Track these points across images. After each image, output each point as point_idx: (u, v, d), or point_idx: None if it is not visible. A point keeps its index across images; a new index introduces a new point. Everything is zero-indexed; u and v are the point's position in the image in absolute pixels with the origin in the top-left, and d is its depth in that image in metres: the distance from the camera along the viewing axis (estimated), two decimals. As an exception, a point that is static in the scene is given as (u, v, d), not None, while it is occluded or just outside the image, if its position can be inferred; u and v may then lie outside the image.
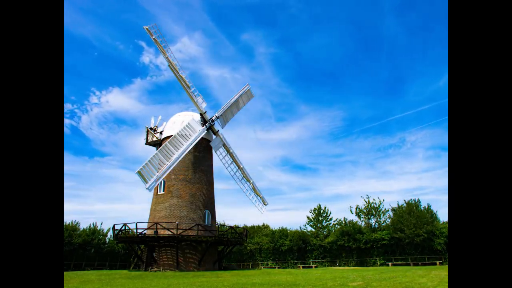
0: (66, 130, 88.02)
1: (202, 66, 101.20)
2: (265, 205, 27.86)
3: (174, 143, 23.03)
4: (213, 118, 26.38)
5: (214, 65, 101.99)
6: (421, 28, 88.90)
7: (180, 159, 22.63)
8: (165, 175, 21.66)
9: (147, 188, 20.49)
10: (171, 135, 24.56)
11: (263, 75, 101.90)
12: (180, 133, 23.83)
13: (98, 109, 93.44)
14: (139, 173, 20.49)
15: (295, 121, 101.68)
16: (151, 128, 29.51)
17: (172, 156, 22.30)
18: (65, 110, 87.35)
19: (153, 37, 23.31)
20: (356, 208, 35.81)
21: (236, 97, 28.30)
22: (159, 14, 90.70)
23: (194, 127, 24.86)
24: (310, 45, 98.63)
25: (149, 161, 21.17)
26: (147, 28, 23.05)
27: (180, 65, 24.71)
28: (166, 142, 23.10)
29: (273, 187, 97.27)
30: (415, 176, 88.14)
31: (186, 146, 23.24)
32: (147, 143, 29.34)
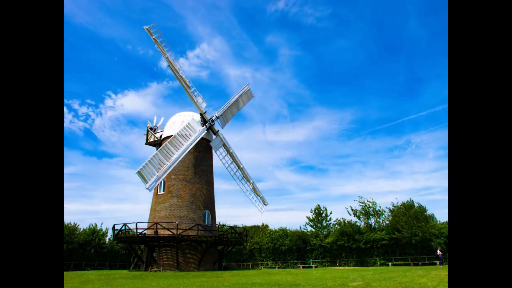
0: (79, 132, 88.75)
1: (223, 65, 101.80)
2: (265, 205, 27.87)
3: (174, 143, 23.04)
4: (213, 118, 26.39)
5: (236, 65, 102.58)
6: (443, 31, 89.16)
7: (180, 159, 22.62)
8: (165, 175, 21.67)
9: (147, 188, 20.50)
10: (171, 135, 24.57)
11: (283, 76, 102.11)
12: (180, 133, 23.82)
13: (112, 112, 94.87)
14: (139, 173, 20.50)
15: (309, 122, 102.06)
16: (151, 128, 29.51)
17: (172, 156, 22.31)
18: (80, 114, 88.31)
19: (153, 37, 23.30)
20: (351, 209, 35.85)
21: (236, 97, 28.34)
22: (188, 15, 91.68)
23: (194, 127, 24.86)
24: (332, 47, 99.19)
25: (149, 161, 21.17)
26: (147, 28, 23.01)
27: (180, 66, 24.79)
28: (166, 142, 23.10)
29: (281, 187, 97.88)
30: (423, 176, 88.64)
31: (186, 146, 23.25)
32: (147, 143, 29.34)
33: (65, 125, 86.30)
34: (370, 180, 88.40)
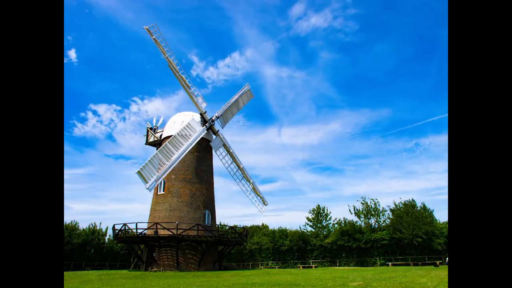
0: (100, 136, 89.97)
1: (262, 65, 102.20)
2: (265, 205, 27.85)
3: (174, 143, 23.04)
4: (213, 118, 26.40)
5: (274, 66, 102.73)
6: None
7: (180, 159, 22.62)
8: (165, 175, 21.65)
9: (147, 188, 20.48)
10: (171, 135, 24.58)
11: (316, 78, 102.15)
12: (180, 133, 23.83)
13: (135, 117, 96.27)
14: (139, 173, 20.49)
15: (331, 123, 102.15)
16: (151, 128, 29.50)
17: (172, 156, 22.30)
18: (104, 119, 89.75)
19: (153, 37, 23.38)
20: (354, 209, 35.84)
21: (236, 97, 28.34)
22: (238, 19, 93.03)
23: (194, 127, 24.86)
24: (370, 52, 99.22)
25: (149, 161, 21.17)
26: (147, 28, 23.07)
27: (180, 66, 24.86)
28: (166, 142, 23.09)
29: (295, 187, 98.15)
30: (437, 176, 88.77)
31: (186, 146, 23.24)
32: (147, 143, 29.34)
33: (87, 128, 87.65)
34: (383, 180, 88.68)
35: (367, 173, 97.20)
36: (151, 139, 29.05)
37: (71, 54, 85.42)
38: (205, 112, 26.09)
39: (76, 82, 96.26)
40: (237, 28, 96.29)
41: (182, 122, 26.42)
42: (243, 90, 29.13)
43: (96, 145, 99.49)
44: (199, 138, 24.45)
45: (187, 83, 25.07)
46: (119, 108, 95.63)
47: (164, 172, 21.41)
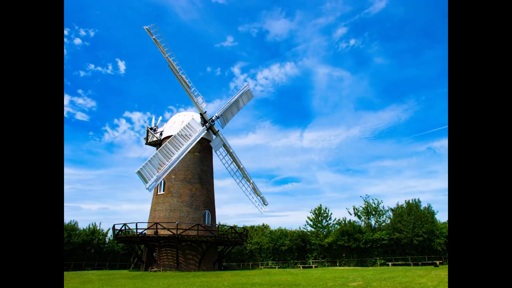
0: (129, 141, 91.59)
1: (314, 65, 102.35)
2: (265, 205, 27.80)
3: (174, 143, 23.04)
4: (213, 118, 26.42)
5: (326, 66, 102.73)
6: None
7: (180, 159, 22.62)
8: (165, 175, 21.63)
9: (147, 188, 20.45)
10: (171, 135, 24.59)
11: (361, 82, 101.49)
12: (180, 133, 23.83)
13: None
14: (139, 173, 20.46)
15: (362, 124, 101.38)
16: (151, 128, 29.50)
17: (172, 156, 22.29)
18: (134, 126, 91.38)
19: (153, 37, 23.47)
20: (353, 209, 35.82)
21: (236, 97, 28.38)
22: (298, 28, 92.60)
23: (194, 127, 24.86)
24: (419, 58, 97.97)
25: (149, 161, 21.15)
26: (147, 28, 23.20)
27: (180, 66, 24.93)
28: (166, 142, 23.08)
29: (315, 187, 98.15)
30: None
31: (186, 146, 23.24)
32: (147, 143, 29.34)
33: (117, 134, 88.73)
34: (403, 180, 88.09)
35: (389, 173, 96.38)
36: (150, 139, 29.05)
37: (121, 66, 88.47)
38: (205, 112, 26.13)
39: (119, 90, 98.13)
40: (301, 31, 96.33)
41: (182, 122, 26.44)
42: (243, 90, 29.17)
43: (125, 149, 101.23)
44: (199, 138, 24.46)
45: (187, 83, 25.11)
46: (153, 116, 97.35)
47: (164, 172, 21.42)
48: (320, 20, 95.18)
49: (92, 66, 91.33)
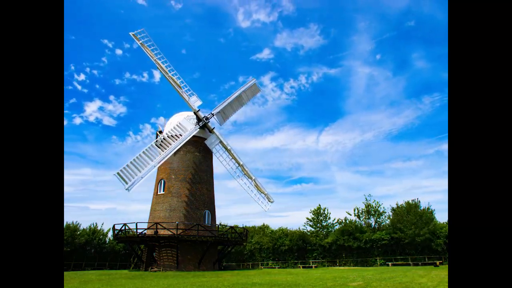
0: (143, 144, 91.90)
1: (358, 65, 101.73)
2: (271, 202, 26.29)
3: (161, 143, 22.86)
4: (207, 116, 26.31)
5: (369, 66, 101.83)
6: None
7: (165, 159, 22.54)
8: (147, 174, 21.13)
9: (126, 189, 20.00)
10: (173, 135, 24.58)
11: (397, 86, 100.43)
12: (169, 133, 23.97)
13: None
14: (118, 174, 20.12)
15: (384, 125, 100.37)
16: (159, 131, 29.63)
17: (157, 156, 21.94)
18: (150, 131, 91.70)
19: (140, 42, 24.41)
20: (354, 210, 35.83)
21: (238, 92, 28.09)
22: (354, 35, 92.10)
23: (186, 126, 24.75)
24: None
25: (130, 162, 20.84)
26: (133, 34, 24.52)
27: (171, 67, 25.59)
28: (152, 143, 22.77)
29: (329, 187, 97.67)
30: None
31: (174, 145, 23.08)
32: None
33: (139, 138, 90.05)
34: (418, 180, 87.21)
35: (404, 173, 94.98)
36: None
37: (156, 75, 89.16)
38: (198, 110, 26.10)
39: (150, 97, 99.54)
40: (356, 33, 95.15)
41: (176, 122, 26.48)
42: (247, 85, 28.74)
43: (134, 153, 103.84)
44: (189, 137, 24.31)
45: (178, 83, 25.44)
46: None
47: (147, 172, 20.98)
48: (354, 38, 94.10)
49: (128, 74, 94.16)
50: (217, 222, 27.98)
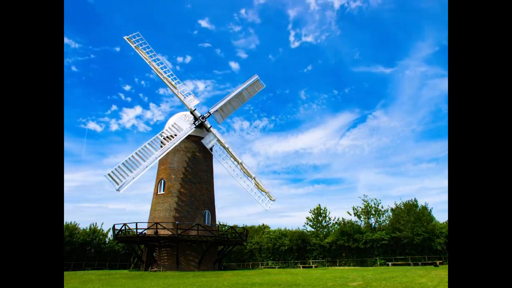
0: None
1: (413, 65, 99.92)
2: (273, 200, 25.68)
3: (154, 143, 22.75)
4: (204, 115, 26.30)
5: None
6: None
7: (159, 158, 22.56)
8: (140, 175, 20.87)
9: (117, 189, 19.79)
10: (169, 135, 24.59)
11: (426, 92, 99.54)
12: (164, 134, 24.04)
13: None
14: (109, 175, 19.97)
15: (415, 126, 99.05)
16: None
17: (150, 156, 21.84)
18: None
19: (134, 45, 24.86)
20: (353, 209, 35.83)
21: (238, 90, 28.02)
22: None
23: (181, 126, 24.77)
24: None
25: (122, 163, 20.69)
26: (127, 38, 25.28)
27: (168, 68, 26.09)
28: (146, 143, 22.60)
29: (350, 186, 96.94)
30: None
31: (168, 145, 23.08)
32: None
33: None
34: (435, 179, 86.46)
35: (426, 173, 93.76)
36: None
37: (200, 86, 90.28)
38: (195, 109, 26.15)
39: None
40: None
41: (172, 122, 26.54)
42: (249, 82, 28.61)
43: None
44: (184, 137, 24.31)
45: (173, 84, 25.69)
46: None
47: (139, 173, 20.78)
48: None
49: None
50: (224, 223, 27.98)
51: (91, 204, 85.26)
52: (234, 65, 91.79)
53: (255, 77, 29.35)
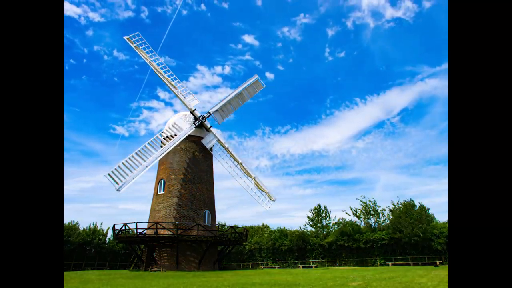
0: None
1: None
2: (273, 200, 25.61)
3: (154, 143, 22.85)
4: (204, 115, 26.32)
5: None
6: None
7: (158, 159, 22.58)
8: (140, 175, 20.95)
9: (117, 190, 19.82)
10: (169, 135, 24.60)
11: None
12: (164, 134, 24.10)
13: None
14: (109, 175, 20.00)
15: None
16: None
17: (150, 157, 21.89)
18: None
19: (134, 45, 24.99)
20: (351, 209, 35.85)
21: (238, 90, 28.06)
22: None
23: (181, 126, 24.80)
24: None
25: (122, 163, 20.76)
26: (127, 38, 25.50)
27: (168, 68, 26.07)
28: (146, 143, 22.68)
29: (368, 187, 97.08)
30: None
31: (168, 145, 23.14)
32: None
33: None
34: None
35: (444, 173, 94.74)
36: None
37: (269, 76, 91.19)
38: (195, 109, 26.18)
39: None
40: None
41: (172, 122, 26.54)
42: (248, 82, 28.69)
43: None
44: (184, 137, 24.36)
45: (173, 84, 25.71)
46: (247, 134, 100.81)
47: (139, 173, 20.82)
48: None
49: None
50: (223, 223, 27.98)
51: (101, 204, 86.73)
52: (269, 75, 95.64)
53: (255, 77, 29.38)
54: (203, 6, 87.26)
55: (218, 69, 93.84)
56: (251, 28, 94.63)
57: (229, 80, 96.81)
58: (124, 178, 20.31)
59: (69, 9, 73.44)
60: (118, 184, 19.97)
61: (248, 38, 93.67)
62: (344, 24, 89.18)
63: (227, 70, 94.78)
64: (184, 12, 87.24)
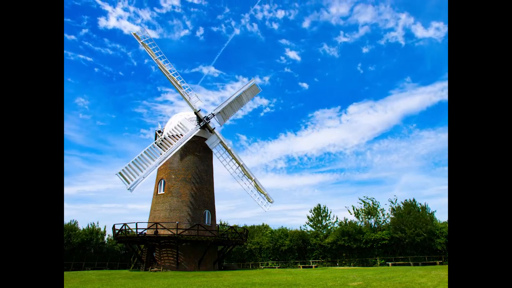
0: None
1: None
2: (271, 202, 26.36)
3: (162, 143, 22.90)
4: (208, 116, 26.32)
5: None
6: None
7: (167, 158, 22.57)
8: (149, 174, 21.18)
9: (128, 189, 19.98)
10: (174, 134, 24.59)
11: None
12: (170, 133, 23.97)
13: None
14: (120, 174, 20.10)
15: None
16: (159, 131, 29.62)
17: (158, 156, 21.99)
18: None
19: (141, 41, 24.51)
20: (353, 209, 35.83)
21: (238, 93, 28.14)
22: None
23: (186, 126, 24.75)
24: None
25: (132, 162, 20.87)
26: (134, 34, 24.82)
27: (172, 68, 25.66)
28: (153, 142, 22.83)
29: (387, 187, 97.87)
30: None
31: (176, 145, 23.09)
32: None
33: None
34: None
35: None
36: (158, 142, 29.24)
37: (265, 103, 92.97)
38: (199, 110, 26.14)
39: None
40: None
41: (177, 122, 26.51)
42: (247, 86, 28.82)
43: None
44: (190, 137, 24.36)
45: (178, 83, 25.52)
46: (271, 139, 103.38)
47: (148, 172, 21.00)
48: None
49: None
50: (225, 222, 27.98)
51: (113, 204, 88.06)
52: (303, 85, 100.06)
53: (253, 81, 29.69)
54: (255, 27, 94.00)
55: (257, 80, 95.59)
56: (296, 45, 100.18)
57: (266, 89, 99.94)
58: (135, 177, 20.54)
59: (127, 26, 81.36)
60: (129, 183, 20.20)
61: (291, 53, 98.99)
62: (378, 44, 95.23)
63: (266, 81, 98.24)
64: (237, 31, 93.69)
